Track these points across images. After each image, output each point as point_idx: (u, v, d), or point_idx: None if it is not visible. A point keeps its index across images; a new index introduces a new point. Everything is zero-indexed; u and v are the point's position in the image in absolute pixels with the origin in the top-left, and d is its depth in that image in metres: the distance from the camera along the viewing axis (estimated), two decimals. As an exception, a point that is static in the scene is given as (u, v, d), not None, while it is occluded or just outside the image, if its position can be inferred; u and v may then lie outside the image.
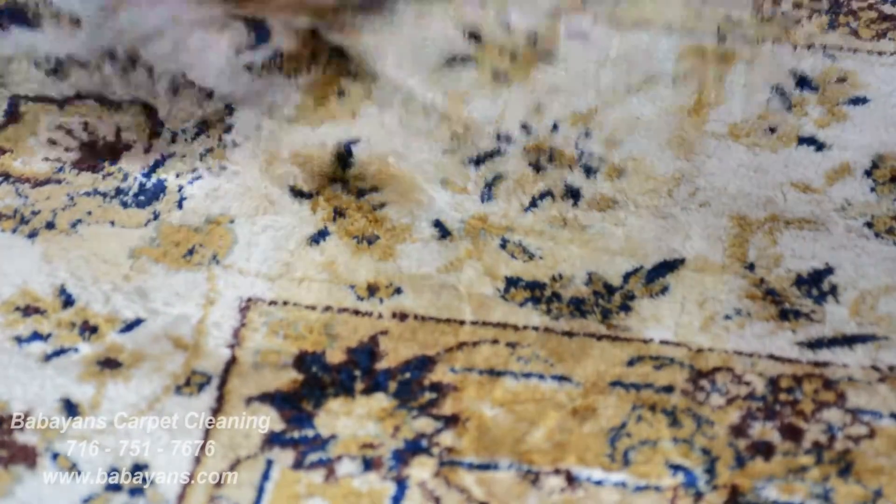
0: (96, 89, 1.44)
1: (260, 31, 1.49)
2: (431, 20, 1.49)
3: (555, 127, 1.40)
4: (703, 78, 1.44)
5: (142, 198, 1.35)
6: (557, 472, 1.15)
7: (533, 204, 1.34)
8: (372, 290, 1.27)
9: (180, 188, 1.35)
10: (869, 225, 1.31)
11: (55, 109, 1.42)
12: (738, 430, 1.17)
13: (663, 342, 1.23)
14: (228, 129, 1.40)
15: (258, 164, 1.37)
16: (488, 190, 1.35)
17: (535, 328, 1.24)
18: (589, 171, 1.36)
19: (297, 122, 1.41)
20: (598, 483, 1.14)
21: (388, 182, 1.36)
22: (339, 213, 1.33)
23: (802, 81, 1.44)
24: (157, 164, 1.37)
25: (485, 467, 1.16)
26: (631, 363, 1.21)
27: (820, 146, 1.38)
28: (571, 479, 1.15)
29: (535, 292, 1.27)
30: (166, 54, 1.47)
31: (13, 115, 1.42)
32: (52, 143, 1.39)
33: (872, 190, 1.34)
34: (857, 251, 1.29)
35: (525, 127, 1.40)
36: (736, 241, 1.30)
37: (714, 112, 1.41)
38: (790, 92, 1.43)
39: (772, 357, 1.21)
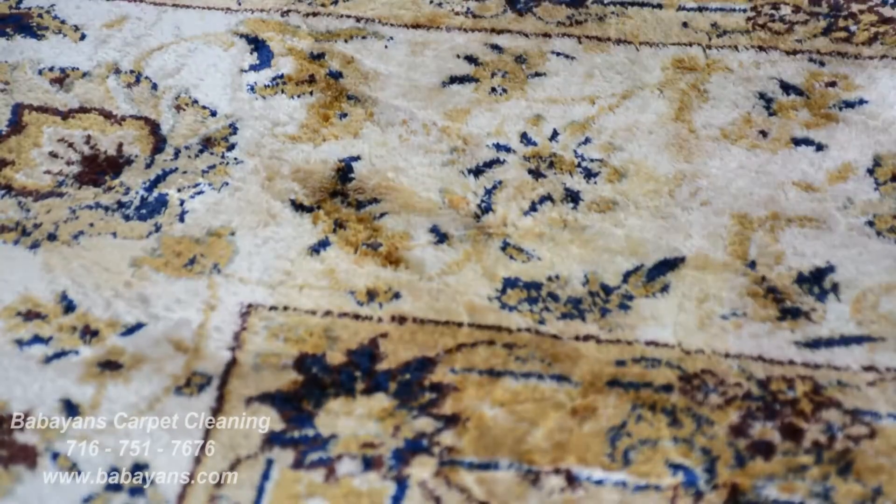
0: (100, 102, 1.45)
1: (262, 52, 1.50)
2: (426, 48, 1.51)
3: (554, 135, 1.41)
4: (686, 86, 1.45)
5: (143, 211, 1.35)
6: (557, 471, 1.15)
7: (532, 208, 1.34)
8: (371, 295, 1.27)
9: (182, 202, 1.36)
10: (871, 223, 1.32)
11: (59, 120, 1.43)
12: (738, 430, 1.16)
13: (662, 342, 1.22)
14: (231, 147, 1.41)
15: (260, 180, 1.38)
16: (488, 197, 1.35)
17: (532, 329, 1.24)
18: (589, 175, 1.37)
19: (300, 141, 1.41)
20: (599, 483, 1.14)
21: (387, 193, 1.36)
22: (339, 225, 1.33)
23: (788, 87, 1.44)
24: (159, 179, 1.38)
25: (485, 467, 1.15)
26: (629, 363, 1.21)
27: (819, 147, 1.39)
28: (571, 479, 1.14)
29: (532, 293, 1.27)
30: (170, 71, 1.48)
31: (17, 124, 1.43)
32: (54, 155, 1.40)
33: (876, 189, 1.35)
34: (858, 249, 1.29)
35: (524, 137, 1.41)
36: (737, 239, 1.30)
37: (698, 118, 1.42)
38: (775, 97, 1.43)
39: (771, 358, 1.21)
